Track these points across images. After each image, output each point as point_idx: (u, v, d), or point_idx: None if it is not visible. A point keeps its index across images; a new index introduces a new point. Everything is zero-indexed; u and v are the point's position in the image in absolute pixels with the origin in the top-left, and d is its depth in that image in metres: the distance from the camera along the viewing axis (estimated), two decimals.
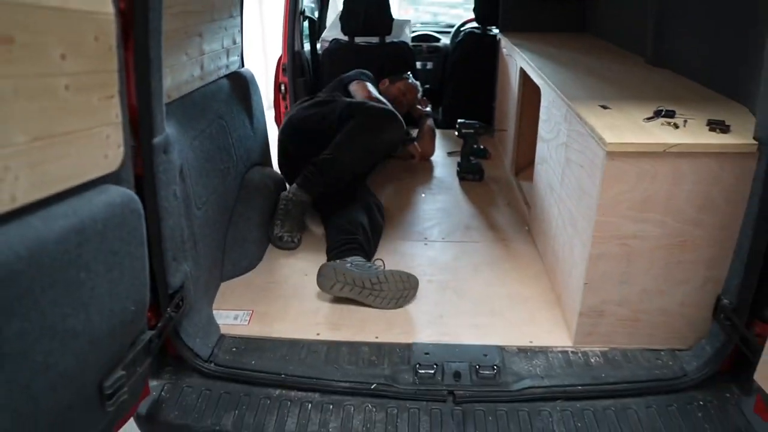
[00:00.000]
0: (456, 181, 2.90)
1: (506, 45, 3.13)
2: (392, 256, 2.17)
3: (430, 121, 3.28)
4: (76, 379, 1.05)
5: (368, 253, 2.09)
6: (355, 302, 1.88)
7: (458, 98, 3.78)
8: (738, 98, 1.77)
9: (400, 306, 1.89)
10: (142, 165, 1.42)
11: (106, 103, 1.16)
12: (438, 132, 3.72)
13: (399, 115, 2.46)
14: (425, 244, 2.30)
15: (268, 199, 2.31)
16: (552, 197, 2.03)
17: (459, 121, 2.86)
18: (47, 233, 0.94)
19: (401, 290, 1.87)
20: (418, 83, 3.35)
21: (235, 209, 2.15)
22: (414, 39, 4.45)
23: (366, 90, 2.78)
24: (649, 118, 1.61)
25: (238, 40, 2.42)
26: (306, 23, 3.64)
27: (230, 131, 2.17)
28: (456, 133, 2.87)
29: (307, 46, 3.73)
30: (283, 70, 3.56)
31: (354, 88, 2.82)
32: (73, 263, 0.99)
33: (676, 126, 1.55)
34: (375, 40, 3.62)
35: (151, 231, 1.46)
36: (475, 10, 3.75)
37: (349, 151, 2.30)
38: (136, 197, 1.22)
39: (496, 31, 3.58)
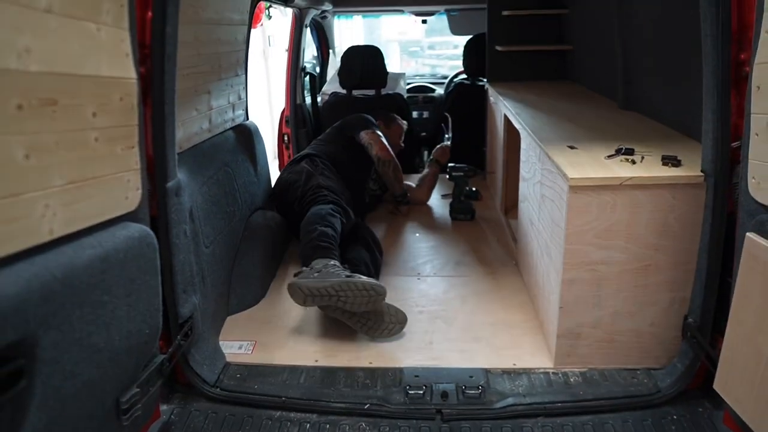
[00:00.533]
0: (448, 220, 3.08)
1: (493, 94, 3.35)
2: (388, 290, 2.32)
3: (435, 169, 3.44)
4: (97, 389, 1.20)
5: None
6: (350, 331, 2.03)
7: (452, 144, 3.99)
8: (693, 136, 1.95)
9: (384, 337, 1.98)
10: (156, 206, 1.60)
11: (128, 152, 1.35)
12: None
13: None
14: (418, 278, 2.45)
15: (270, 240, 2.49)
16: (532, 231, 2.19)
17: (450, 165, 3.06)
18: (78, 260, 1.11)
19: (388, 323, 1.98)
20: (405, 123, 3.58)
21: (240, 248, 2.32)
22: (410, 90, 4.73)
23: (380, 143, 3.02)
24: (610, 156, 1.79)
25: (243, 95, 2.65)
26: (307, 78, 3.91)
27: (236, 177, 2.37)
28: (447, 176, 3.06)
29: (308, 99, 3.99)
30: (286, 121, 3.81)
31: (367, 138, 3.01)
32: (98, 286, 1.16)
33: (634, 162, 1.72)
34: (371, 92, 3.88)
35: (163, 264, 1.63)
36: (464, 62, 4.04)
37: None
38: (151, 233, 1.40)
39: (484, 81, 3.82)
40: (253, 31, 6.32)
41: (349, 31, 11.13)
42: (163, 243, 1.63)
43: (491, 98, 3.45)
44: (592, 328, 1.78)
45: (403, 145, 3.48)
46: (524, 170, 2.39)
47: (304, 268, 2.04)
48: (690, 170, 1.64)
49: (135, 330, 1.32)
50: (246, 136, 2.61)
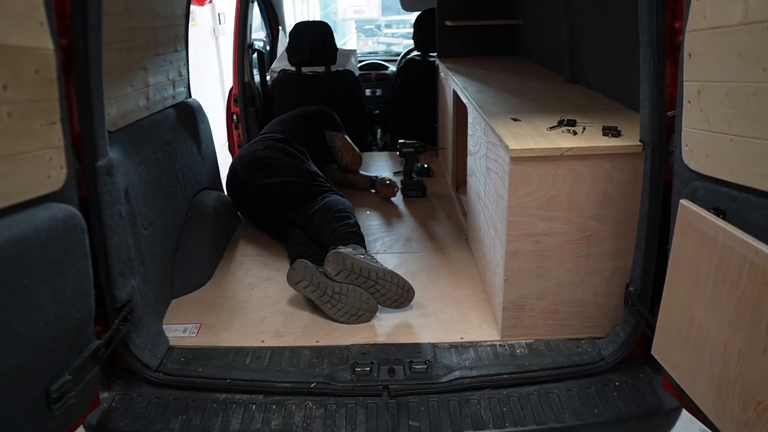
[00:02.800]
0: (399, 198, 3.06)
1: (443, 69, 3.33)
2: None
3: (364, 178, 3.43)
4: (21, 378, 1.14)
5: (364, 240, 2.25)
6: (298, 311, 2.00)
7: (403, 121, 3.97)
8: (634, 107, 1.97)
9: (351, 323, 1.96)
10: (86, 186, 1.53)
11: (47, 128, 1.28)
12: (386, 154, 3.91)
13: None
14: None
15: (216, 221, 2.42)
16: (480, 205, 2.19)
17: (399, 141, 3.03)
18: None
19: (357, 310, 1.96)
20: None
21: (184, 230, 2.25)
22: (363, 67, 4.67)
23: (352, 154, 3.13)
24: (552, 128, 1.79)
25: (183, 72, 2.55)
26: (255, 56, 3.80)
27: (177, 157, 2.29)
28: (398, 152, 3.03)
29: (257, 77, 3.89)
30: (235, 100, 3.71)
31: (340, 144, 3.08)
32: (17, 270, 1.10)
33: (575, 133, 1.73)
34: (321, 69, 3.81)
35: (96, 247, 1.57)
36: (414, 37, 3.99)
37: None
38: (78, 213, 1.33)
39: (435, 56, 3.80)
40: (202, 8, 6.13)
41: (305, 9, 10.94)
42: (95, 225, 1.57)
43: (441, 74, 3.44)
44: (536, 299, 1.80)
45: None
46: (471, 144, 2.38)
47: (343, 248, 2.06)
48: (629, 140, 1.66)
49: (63, 315, 1.26)
50: (188, 114, 2.53)
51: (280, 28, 4.71)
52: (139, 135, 2.02)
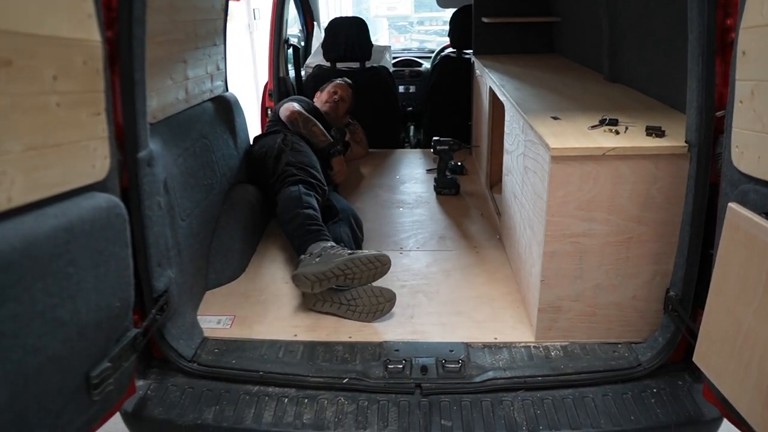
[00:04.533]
0: (433, 195, 3.04)
1: (478, 66, 3.30)
2: None
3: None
4: (64, 364, 1.17)
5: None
6: None
7: (438, 118, 3.95)
8: (678, 107, 1.92)
9: (377, 318, 1.96)
10: (127, 177, 1.55)
11: (93, 119, 1.30)
12: (418, 152, 3.89)
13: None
14: (401, 253, 2.42)
15: (250, 214, 2.44)
16: (516, 205, 2.16)
17: (434, 138, 3.01)
18: (39, 230, 1.06)
19: (375, 305, 1.96)
20: (349, 81, 3.48)
21: (219, 222, 2.28)
22: (397, 64, 4.66)
23: (285, 109, 2.90)
24: (593, 126, 1.75)
25: (221, 66, 2.58)
26: (290, 51, 3.82)
27: (214, 150, 2.31)
28: (432, 150, 3.01)
29: (292, 73, 3.91)
30: (270, 95, 3.73)
31: (280, 112, 2.93)
32: (62, 257, 1.12)
33: (618, 132, 1.70)
34: (356, 65, 3.81)
35: (136, 237, 1.59)
36: (450, 35, 3.96)
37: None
38: (120, 203, 1.35)
39: (470, 53, 3.76)
40: (237, 4, 6.18)
41: (338, 7, 10.97)
42: (136, 215, 1.59)
43: (477, 71, 3.40)
44: (573, 302, 1.77)
45: (336, 99, 3.36)
46: (508, 142, 2.35)
47: (303, 257, 2.05)
48: (674, 141, 1.61)
49: (104, 303, 1.28)
50: (225, 107, 2.55)
51: (315, 23, 4.73)
52: (179, 127, 2.04)
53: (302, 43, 4.69)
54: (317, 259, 1.98)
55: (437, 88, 3.94)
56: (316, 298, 1.99)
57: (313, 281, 1.93)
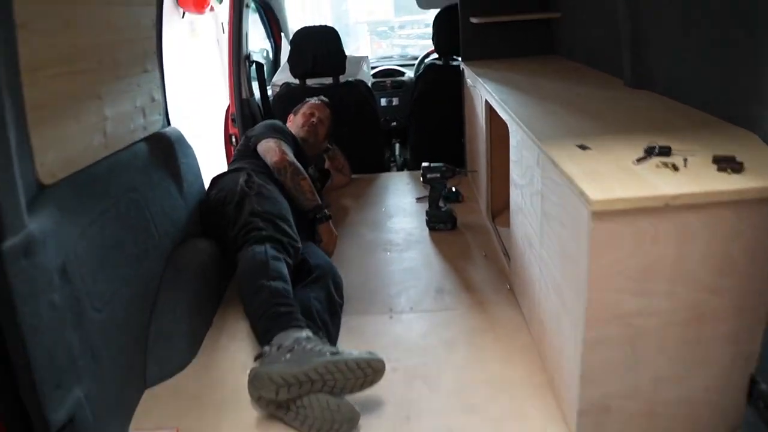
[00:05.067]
0: (425, 231, 2.57)
1: (470, 75, 2.84)
2: (351, 337, 1.83)
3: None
4: None
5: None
6: None
7: (425, 136, 3.47)
8: (739, 121, 1.47)
9: None
10: None
11: None
12: (405, 175, 3.43)
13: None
14: (390, 317, 1.95)
15: (202, 280, 1.96)
16: (532, 254, 1.70)
17: (423, 165, 2.54)
18: None
19: (330, 422, 1.44)
20: (326, 100, 2.98)
21: (159, 298, 1.79)
22: (377, 75, 4.20)
23: (274, 149, 2.35)
24: (640, 159, 1.29)
25: (157, 96, 2.10)
26: (254, 68, 3.34)
27: (148, 205, 1.83)
28: (421, 178, 2.54)
29: (258, 93, 3.43)
30: (233, 120, 3.27)
31: (262, 150, 2.39)
32: None
33: (675, 167, 1.23)
34: (328, 80, 3.34)
35: (14, 358, 1.12)
36: (434, 39, 3.48)
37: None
38: None
39: (459, 60, 3.31)
40: (202, 17, 5.70)
41: (316, 16, 10.52)
42: (9, 328, 1.12)
43: (468, 80, 2.94)
44: (625, 399, 1.30)
45: (314, 122, 2.82)
46: (516, 173, 1.89)
47: (266, 348, 1.56)
48: (758, 177, 1.15)
49: None
50: (165, 147, 2.07)
51: (283, 35, 4.27)
52: (92, 184, 1.57)
53: (271, 57, 4.23)
54: (287, 355, 1.49)
55: (423, 102, 3.45)
56: (258, 392, 1.49)
57: (279, 385, 1.45)
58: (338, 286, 1.98)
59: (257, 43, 4.06)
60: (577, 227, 1.23)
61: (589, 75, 2.44)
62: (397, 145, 4.09)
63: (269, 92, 3.47)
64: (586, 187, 1.16)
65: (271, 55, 4.26)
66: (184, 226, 2.07)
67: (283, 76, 3.46)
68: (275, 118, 3.32)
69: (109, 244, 1.56)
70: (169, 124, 2.20)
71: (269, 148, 2.37)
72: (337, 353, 1.49)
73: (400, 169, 3.84)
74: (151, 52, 2.05)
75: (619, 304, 1.20)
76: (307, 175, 2.37)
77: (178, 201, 2.07)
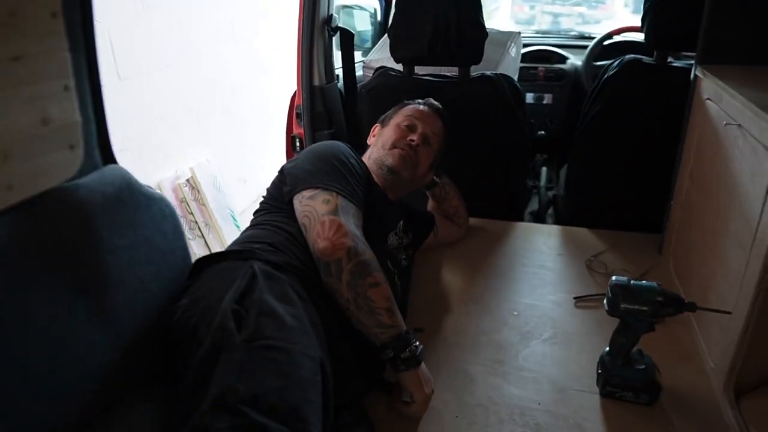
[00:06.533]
0: (595, 397, 1.32)
1: (712, 93, 1.50)
2: None
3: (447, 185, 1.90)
4: None
5: None
6: None
7: (597, 175, 2.13)
8: None
9: None
10: None
11: None
12: (556, 232, 2.14)
13: None
14: None
15: None
16: None
17: (614, 281, 1.27)
18: None
19: None
20: (439, 107, 1.83)
21: None
22: (525, 58, 2.86)
23: (333, 231, 1.21)
24: None
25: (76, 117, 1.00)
26: (338, 38, 2.18)
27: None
28: (606, 306, 1.28)
29: (342, 78, 2.28)
30: (297, 116, 2.17)
31: (301, 209, 1.28)
32: None
33: None
34: (453, 71, 2.09)
35: None
36: (643, 20, 2.02)
37: None
38: None
39: (678, 62, 1.93)
40: None
41: None
42: None
43: (707, 100, 1.59)
44: None
45: (415, 144, 1.65)
46: None
47: None
48: None
49: None
50: (78, 218, 0.99)
51: None
52: None
53: (379, 20, 3.01)
54: None
55: (605, 120, 2.07)
56: None
57: None
58: None
59: None
60: None
61: None
62: (544, 169, 2.78)
63: (359, 77, 2.30)
64: None
65: (380, 17, 3.03)
66: (103, 379, 1.00)
67: (383, 55, 2.26)
68: (362, 117, 2.17)
69: None
70: (113, 161, 1.10)
71: (313, 215, 1.23)
72: None
73: (545, 208, 2.54)
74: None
75: None
76: (381, 272, 1.21)
77: (87, 326, 0.99)
